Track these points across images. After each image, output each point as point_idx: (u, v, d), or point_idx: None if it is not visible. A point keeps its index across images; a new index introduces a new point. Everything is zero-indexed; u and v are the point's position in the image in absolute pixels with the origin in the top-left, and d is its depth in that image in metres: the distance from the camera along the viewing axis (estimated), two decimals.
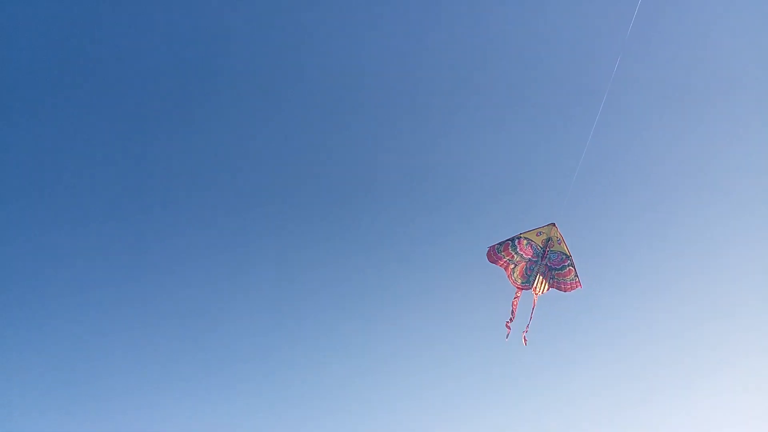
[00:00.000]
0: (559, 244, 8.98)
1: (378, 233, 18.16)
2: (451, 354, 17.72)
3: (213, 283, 17.57)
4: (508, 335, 9.07)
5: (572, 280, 9.05)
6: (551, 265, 9.12)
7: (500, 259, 9.13)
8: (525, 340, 9.06)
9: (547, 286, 9.19)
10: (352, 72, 16.78)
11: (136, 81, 16.22)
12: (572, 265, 8.96)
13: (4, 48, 15.13)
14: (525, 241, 8.97)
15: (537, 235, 8.94)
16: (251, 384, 17.38)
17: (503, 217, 17.27)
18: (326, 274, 17.98)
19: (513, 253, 9.09)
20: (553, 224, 8.80)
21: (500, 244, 9.00)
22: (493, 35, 16.60)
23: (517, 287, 9.30)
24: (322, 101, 17.06)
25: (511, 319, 9.11)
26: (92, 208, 16.55)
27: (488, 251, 9.06)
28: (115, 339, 16.66)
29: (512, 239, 8.96)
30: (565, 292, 9.20)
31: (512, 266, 9.21)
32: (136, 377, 16.59)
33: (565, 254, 8.94)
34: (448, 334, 17.69)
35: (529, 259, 9.13)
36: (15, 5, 14.97)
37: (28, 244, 16.19)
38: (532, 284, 9.21)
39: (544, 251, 9.04)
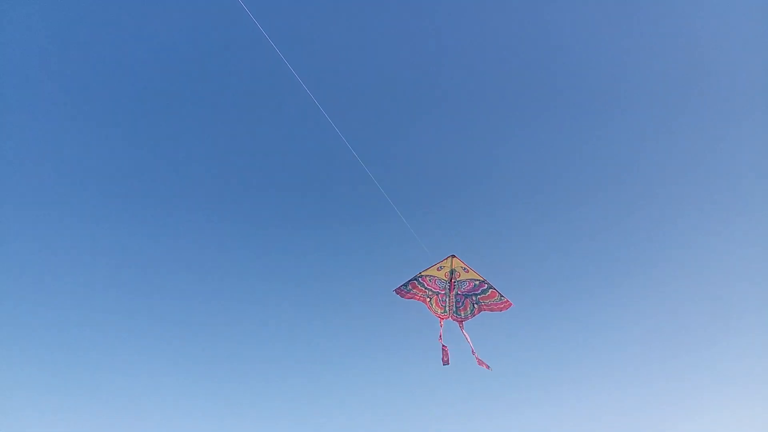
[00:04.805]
0: (466, 272, 8.95)
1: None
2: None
3: (211, 283, 17.44)
4: (446, 361, 8.84)
5: (500, 300, 8.99)
6: (465, 292, 9.10)
7: (414, 295, 9.24)
8: (484, 364, 8.75)
9: (477, 309, 9.18)
10: None
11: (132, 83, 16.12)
12: (492, 287, 8.95)
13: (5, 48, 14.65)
14: (428, 278, 9.01)
15: (438, 270, 8.93)
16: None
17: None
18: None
19: (423, 289, 9.18)
20: (453, 256, 8.77)
21: (405, 284, 9.08)
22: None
23: (438, 317, 9.35)
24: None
25: (444, 355, 8.88)
26: (91, 208, 16.34)
27: (397, 292, 9.13)
28: (114, 338, 16.31)
29: (416, 278, 9.01)
30: (500, 311, 9.13)
31: (428, 299, 9.28)
32: (136, 376, 16.12)
33: (478, 280, 8.90)
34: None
35: (438, 293, 9.18)
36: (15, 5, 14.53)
37: (29, 244, 15.77)
38: (451, 313, 9.23)
39: (450, 283, 9.03)
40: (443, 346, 8.93)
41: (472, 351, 8.92)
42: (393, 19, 16.96)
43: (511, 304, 9.00)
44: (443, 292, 9.14)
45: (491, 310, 9.08)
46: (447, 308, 9.22)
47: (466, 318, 9.20)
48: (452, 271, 8.95)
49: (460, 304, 9.21)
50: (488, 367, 8.77)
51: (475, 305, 9.14)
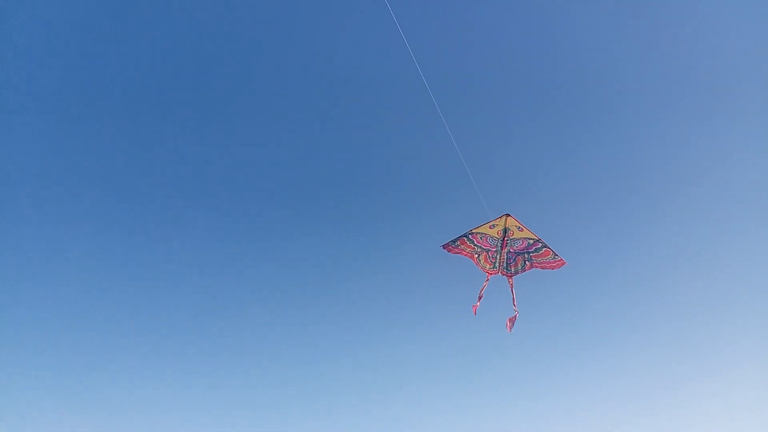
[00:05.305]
0: (520, 231, 8.75)
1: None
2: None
3: (212, 282, 17.72)
4: (475, 312, 9.03)
5: (554, 258, 8.97)
6: (517, 250, 9.08)
7: (462, 251, 9.17)
8: (510, 326, 8.93)
9: (528, 266, 9.21)
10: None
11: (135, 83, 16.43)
12: (546, 246, 8.91)
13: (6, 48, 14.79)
14: (479, 236, 8.98)
15: (491, 228, 8.79)
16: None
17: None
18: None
19: (472, 245, 9.22)
20: (508, 215, 8.61)
21: (453, 240, 9.05)
22: None
23: (486, 272, 9.38)
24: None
25: (477, 303, 9.04)
26: (92, 207, 16.57)
27: (445, 247, 9.12)
28: (116, 338, 16.52)
29: (465, 235, 8.97)
30: (552, 269, 9.14)
31: (476, 255, 9.36)
32: (137, 376, 16.24)
33: (532, 239, 8.87)
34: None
35: (489, 249, 9.28)
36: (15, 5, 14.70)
37: (31, 243, 15.92)
38: (501, 269, 9.28)
39: (503, 241, 9.13)
40: (479, 299, 9.05)
41: (514, 302, 8.98)
42: None
43: (564, 262, 8.84)
44: (494, 249, 9.04)
45: (543, 267, 9.01)
46: (497, 264, 9.18)
47: (516, 273, 9.15)
48: (506, 230, 8.97)
49: (512, 261, 9.17)
50: (510, 329, 8.86)
51: (527, 262, 9.04)
